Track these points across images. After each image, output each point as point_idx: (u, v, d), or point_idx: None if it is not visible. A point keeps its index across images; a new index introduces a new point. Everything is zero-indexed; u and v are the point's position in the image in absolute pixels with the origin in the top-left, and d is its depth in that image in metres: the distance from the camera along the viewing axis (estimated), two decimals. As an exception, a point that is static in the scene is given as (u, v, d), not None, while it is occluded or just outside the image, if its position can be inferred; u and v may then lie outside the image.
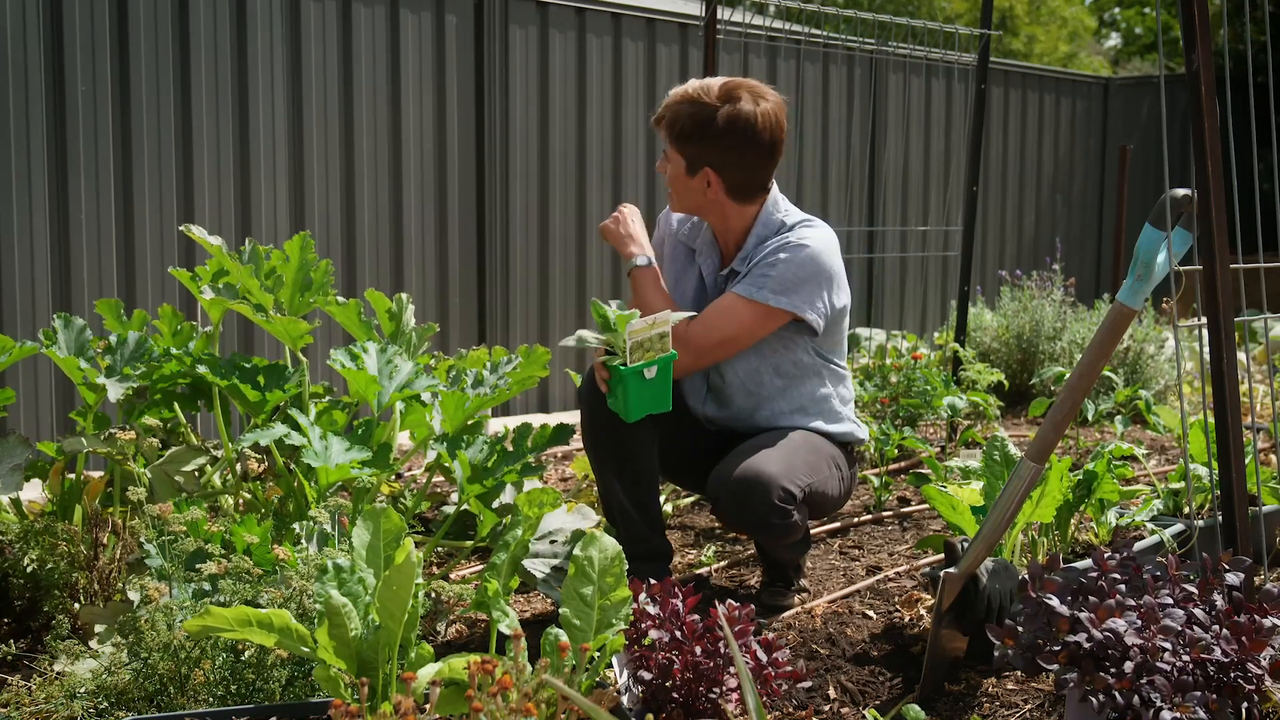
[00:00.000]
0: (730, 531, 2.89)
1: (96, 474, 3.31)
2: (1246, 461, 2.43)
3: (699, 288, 2.99)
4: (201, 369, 2.83)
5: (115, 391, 2.89)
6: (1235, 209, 2.48)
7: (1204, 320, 2.38)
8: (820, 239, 2.87)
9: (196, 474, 2.94)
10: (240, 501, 3.02)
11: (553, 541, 2.94)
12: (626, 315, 2.63)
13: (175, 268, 3.19)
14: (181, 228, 3.12)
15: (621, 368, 2.62)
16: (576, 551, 2.03)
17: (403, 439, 5.11)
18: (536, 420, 5.96)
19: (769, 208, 2.91)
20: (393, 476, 3.66)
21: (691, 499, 3.93)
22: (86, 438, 2.88)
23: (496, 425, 5.66)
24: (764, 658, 2.14)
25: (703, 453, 2.99)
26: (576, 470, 3.92)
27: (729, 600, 2.23)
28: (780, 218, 2.91)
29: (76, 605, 2.66)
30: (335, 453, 2.60)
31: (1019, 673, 2.45)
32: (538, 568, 2.83)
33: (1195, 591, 2.10)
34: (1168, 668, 1.91)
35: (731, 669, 2.10)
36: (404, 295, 3.22)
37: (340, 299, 3.11)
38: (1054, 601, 2.05)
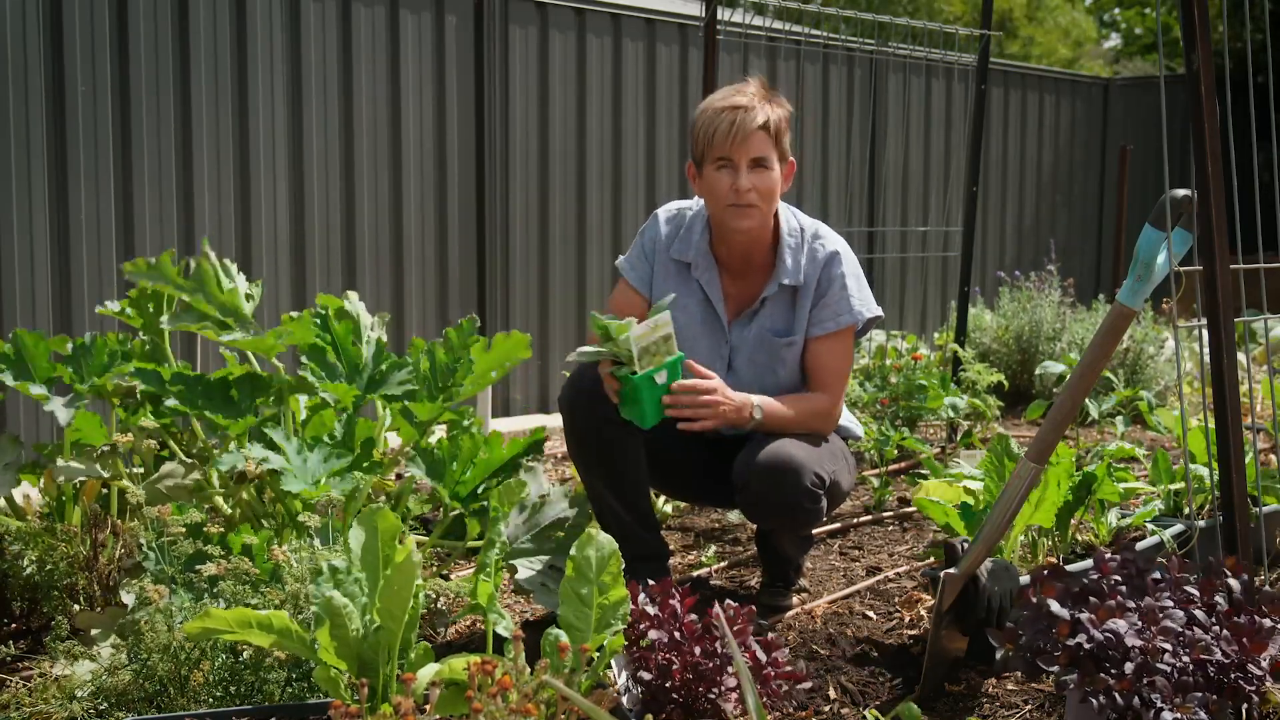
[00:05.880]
0: (751, 520, 2.87)
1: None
2: (1246, 462, 2.43)
3: (703, 302, 2.93)
4: (171, 402, 2.77)
5: (64, 416, 2.85)
6: (1235, 209, 2.48)
7: (1204, 321, 2.38)
8: (836, 235, 2.95)
9: (189, 488, 2.91)
10: (237, 504, 3.01)
11: (549, 538, 2.93)
12: (624, 324, 2.60)
13: (105, 305, 3.14)
14: (124, 266, 3.02)
15: (633, 375, 2.58)
16: (573, 552, 2.03)
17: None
18: (538, 421, 5.96)
19: (780, 208, 2.92)
20: (392, 476, 3.66)
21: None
22: (80, 460, 2.84)
23: (497, 425, 5.66)
24: (763, 658, 2.14)
25: (698, 462, 2.98)
26: (576, 473, 3.91)
27: (728, 601, 2.23)
28: (791, 219, 2.93)
29: (75, 607, 2.66)
30: (314, 465, 2.56)
31: (1019, 673, 2.45)
32: (532, 566, 2.82)
33: (1196, 593, 2.10)
34: (1168, 669, 1.91)
35: (731, 669, 2.10)
36: (353, 294, 3.16)
37: (294, 314, 3.01)
38: (1054, 605, 2.05)
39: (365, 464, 2.64)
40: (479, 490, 2.73)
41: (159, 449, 3.04)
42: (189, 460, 2.94)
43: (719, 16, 4.47)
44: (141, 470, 2.97)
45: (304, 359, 2.77)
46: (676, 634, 2.14)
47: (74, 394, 2.92)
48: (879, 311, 2.93)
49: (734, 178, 2.76)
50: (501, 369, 2.86)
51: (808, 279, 2.87)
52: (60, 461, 2.85)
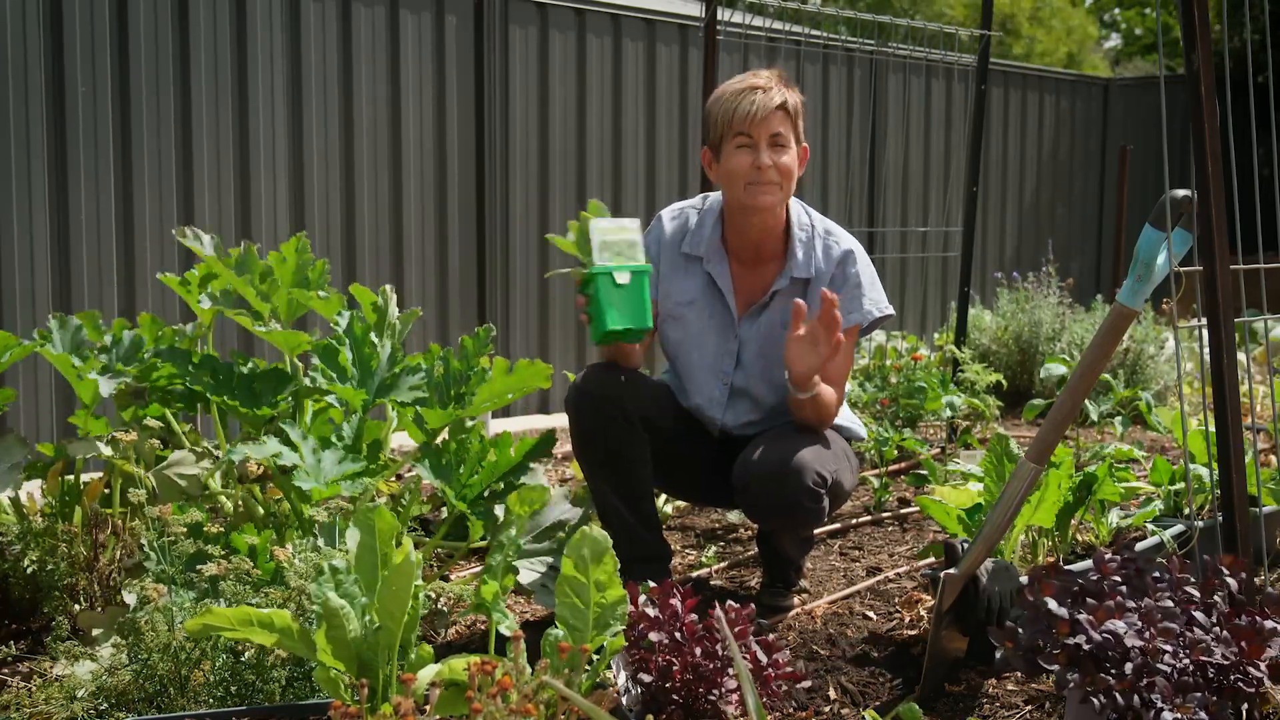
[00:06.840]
0: (752, 520, 2.87)
1: (95, 475, 3.31)
2: (1246, 462, 2.43)
3: (714, 296, 2.94)
4: (196, 385, 2.80)
5: (106, 388, 2.89)
6: (1235, 209, 2.48)
7: (1204, 321, 2.37)
8: (848, 234, 2.96)
9: (199, 477, 2.93)
10: (239, 504, 3.01)
11: (550, 540, 2.94)
12: (594, 210, 2.49)
13: (165, 273, 3.18)
14: (174, 231, 3.09)
15: (590, 268, 2.47)
16: (568, 550, 2.03)
17: (406, 438, 5.11)
18: (537, 421, 5.96)
19: (791, 202, 2.93)
20: (394, 477, 3.66)
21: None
22: (92, 439, 2.87)
23: (498, 426, 5.66)
24: (764, 659, 2.14)
25: (703, 462, 2.98)
26: (577, 472, 3.92)
27: (728, 601, 2.23)
28: (802, 215, 2.94)
29: (76, 606, 2.66)
30: (328, 466, 2.57)
31: (1019, 673, 2.45)
32: (534, 568, 2.83)
33: (1196, 593, 2.10)
34: (1168, 669, 1.91)
35: (731, 670, 2.10)
36: (388, 287, 3.18)
37: (323, 294, 3.04)
38: (1052, 605, 2.05)
39: (372, 466, 2.65)
40: (485, 493, 2.73)
41: (161, 448, 3.05)
42: (198, 449, 2.96)
43: (719, 16, 4.47)
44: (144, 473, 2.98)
45: (314, 360, 2.77)
46: (677, 635, 2.14)
47: (114, 372, 2.98)
48: (890, 310, 2.93)
49: (754, 155, 2.78)
50: (519, 392, 2.88)
51: (820, 274, 2.88)
52: (74, 441, 2.90)
